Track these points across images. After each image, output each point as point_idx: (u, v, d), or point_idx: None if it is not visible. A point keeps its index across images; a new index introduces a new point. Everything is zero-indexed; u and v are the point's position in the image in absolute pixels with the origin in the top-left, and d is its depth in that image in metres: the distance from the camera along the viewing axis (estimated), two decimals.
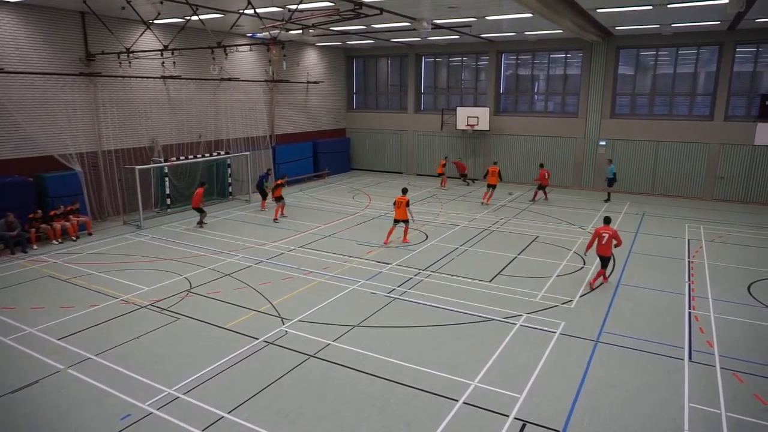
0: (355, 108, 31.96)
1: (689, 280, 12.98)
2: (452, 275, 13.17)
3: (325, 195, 23.69)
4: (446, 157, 26.40)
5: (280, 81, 25.33)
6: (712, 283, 12.72)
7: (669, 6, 15.87)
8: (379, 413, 7.49)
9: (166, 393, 7.92)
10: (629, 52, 24.47)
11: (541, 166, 23.07)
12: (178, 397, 7.82)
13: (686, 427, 7.22)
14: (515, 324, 10.36)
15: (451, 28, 21.13)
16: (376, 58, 30.85)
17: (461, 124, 27.01)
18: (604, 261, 12.55)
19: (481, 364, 8.78)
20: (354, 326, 10.25)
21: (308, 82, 27.92)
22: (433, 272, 13.40)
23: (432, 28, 19.67)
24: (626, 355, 9.22)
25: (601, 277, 12.67)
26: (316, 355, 9.08)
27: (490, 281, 12.80)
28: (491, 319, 10.58)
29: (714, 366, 8.83)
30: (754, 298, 11.88)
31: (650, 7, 16.15)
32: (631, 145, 24.25)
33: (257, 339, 9.66)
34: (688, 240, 16.54)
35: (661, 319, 10.71)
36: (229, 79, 22.73)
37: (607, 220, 12.88)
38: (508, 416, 7.38)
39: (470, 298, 11.69)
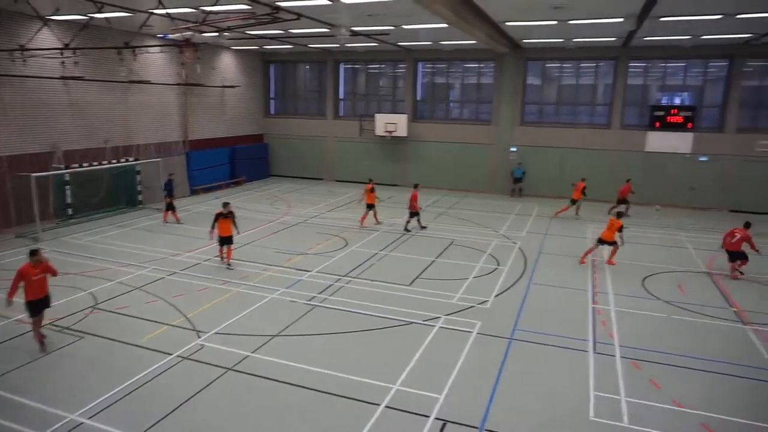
0: (273, 113, 31.43)
1: (593, 276, 13.90)
2: (372, 280, 13.27)
3: (243, 202, 23.08)
4: (371, 180, 20.11)
5: (193, 85, 24.41)
6: (612, 280, 13.70)
7: (570, 22, 16.99)
8: (302, 423, 7.39)
9: (67, 419, 7.35)
10: (536, 63, 25.93)
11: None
12: (82, 423, 7.28)
13: (592, 414, 7.72)
14: (434, 326, 10.61)
15: (369, 36, 21.38)
16: (295, 63, 30.57)
17: (380, 131, 27.35)
18: (732, 255, 14.07)
19: (402, 368, 8.90)
20: (274, 336, 10.05)
21: (224, 87, 27.13)
22: (354, 278, 13.43)
23: (350, 35, 19.80)
24: (538, 350, 9.72)
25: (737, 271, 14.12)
26: (234, 368, 8.80)
27: (410, 285, 13.03)
28: (411, 323, 10.77)
29: (615, 356, 9.52)
30: (647, 291, 12.94)
31: (555, 23, 17.21)
32: (540, 151, 25.65)
33: (171, 354, 9.22)
34: (591, 240, 17.69)
35: (568, 314, 11.39)
36: (139, 82, 21.58)
37: (747, 225, 14.31)
38: (428, 417, 7.54)
39: (390, 302, 11.83)
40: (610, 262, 15.06)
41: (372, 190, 18.96)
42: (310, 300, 11.89)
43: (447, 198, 25.05)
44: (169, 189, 19.19)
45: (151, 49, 21.46)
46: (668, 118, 23.41)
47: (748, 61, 22.57)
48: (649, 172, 24.15)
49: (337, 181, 29.66)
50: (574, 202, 21.02)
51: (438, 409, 7.72)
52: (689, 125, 23.11)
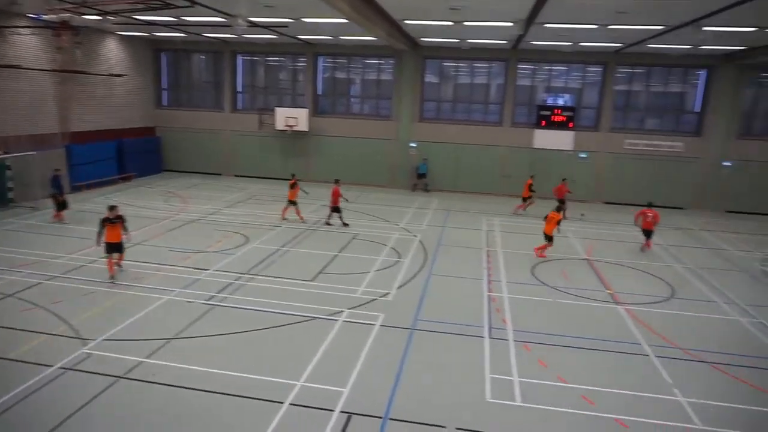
0: (165, 105, 29.69)
1: (487, 266, 14.71)
2: (274, 277, 13.06)
3: (133, 199, 21.65)
4: (294, 175, 19.90)
5: (73, 72, 22.41)
6: (505, 268, 14.59)
7: (465, 24, 17.75)
8: (203, 427, 7.13)
9: None
10: (434, 62, 26.80)
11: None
12: None
13: (488, 395, 8.20)
14: (338, 320, 10.67)
15: (268, 27, 20.88)
16: (189, 53, 29.08)
17: (280, 125, 26.86)
18: (647, 232, 16.78)
19: (306, 364, 8.88)
20: (170, 339, 9.58)
21: (110, 75, 25.17)
22: (255, 275, 13.13)
23: (248, 26, 19.22)
24: (438, 339, 10.12)
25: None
26: (126, 376, 8.28)
27: (312, 280, 12.99)
28: (314, 318, 10.75)
29: (508, 340, 10.16)
30: (536, 278, 13.93)
31: (451, 23, 17.88)
32: (438, 146, 26.57)
33: (52, 366, 8.46)
34: (486, 231, 18.72)
35: (465, 303, 11.97)
36: (8, 66, 19.41)
37: (650, 204, 17.12)
38: (333, 411, 7.59)
39: (293, 298, 11.72)
40: (541, 255, 15.81)
41: (293, 186, 18.68)
42: (208, 300, 11.46)
43: (349, 192, 25.10)
44: (57, 185, 17.56)
45: (22, 30, 19.40)
46: (553, 117, 25.25)
47: (619, 67, 24.94)
48: (537, 167, 25.90)
49: (236, 176, 28.71)
50: (525, 199, 21.83)
51: (343, 403, 7.80)
52: (570, 124, 25.09)
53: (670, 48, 21.37)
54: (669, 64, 24.32)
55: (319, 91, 28.17)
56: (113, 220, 12.41)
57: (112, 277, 12.28)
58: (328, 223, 18.43)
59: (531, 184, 21.78)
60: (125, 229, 12.68)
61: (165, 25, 21.76)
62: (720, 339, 10.75)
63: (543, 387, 8.53)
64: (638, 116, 25.69)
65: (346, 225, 18.42)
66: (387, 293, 12.33)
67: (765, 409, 8.22)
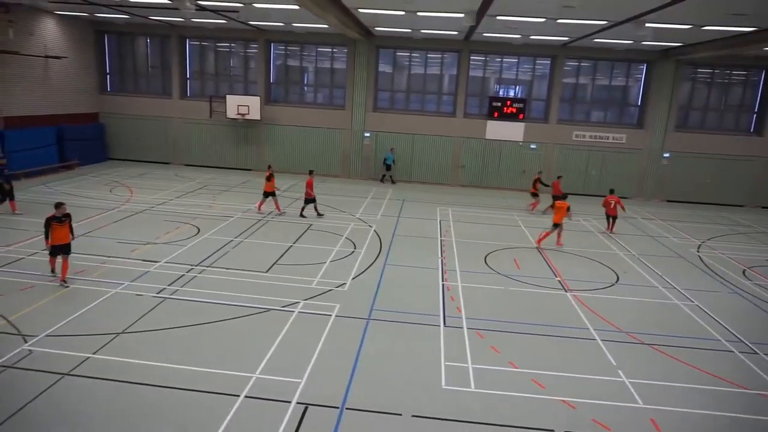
0: (109, 90, 28.41)
1: (441, 256, 14.93)
2: (228, 268, 12.81)
3: (76, 189, 20.69)
4: (270, 166, 19.60)
5: (4, 52, 21.07)
6: (459, 257, 14.85)
7: (418, 14, 17.79)
8: (155, 423, 6.95)
9: None
10: (388, 51, 26.77)
11: (559, 177, 21.91)
12: None
13: (443, 383, 8.36)
14: (293, 311, 10.59)
15: (216, 12, 20.29)
16: (133, 36, 27.87)
17: (231, 113, 26.23)
18: (611, 218, 18.73)
19: (262, 356, 8.78)
20: (119, 334, 9.26)
21: (47, 57, 23.81)
22: (207, 267, 12.84)
23: (196, 9, 18.60)
24: (394, 328, 10.22)
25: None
26: (71, 373, 7.95)
27: (267, 271, 12.83)
28: (269, 309, 10.63)
29: (462, 328, 10.37)
30: (488, 266, 14.25)
31: (403, 13, 17.88)
32: (392, 137, 26.64)
33: None
34: (440, 221, 18.98)
35: (420, 292, 12.12)
36: None
37: (612, 191, 18.96)
38: (290, 402, 7.55)
39: (247, 290, 11.54)
40: (558, 243, 16.51)
41: (269, 178, 18.25)
42: (159, 292, 11.13)
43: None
44: (2, 174, 16.54)
45: None
46: (504, 109, 25.77)
47: (567, 61, 25.66)
48: (489, 158, 26.42)
49: (185, 165, 27.89)
50: (534, 195, 21.75)
51: (299, 394, 7.77)
52: (521, 116, 25.69)
53: (615, 43, 22.14)
54: (613, 58, 25.22)
55: (272, 79, 27.66)
56: (61, 219, 11.22)
57: (53, 271, 11.67)
58: (302, 215, 18.19)
59: (539, 179, 21.64)
60: (71, 229, 11.55)
61: (106, 6, 20.77)
62: (660, 322, 11.34)
63: (496, 373, 8.77)
64: (585, 109, 26.56)
65: (320, 215, 18.35)
66: (342, 284, 12.32)
67: (699, 386, 8.75)
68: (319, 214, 18.36)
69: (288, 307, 10.81)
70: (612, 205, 18.61)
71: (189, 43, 27.70)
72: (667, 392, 8.50)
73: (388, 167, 26.24)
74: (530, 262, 14.88)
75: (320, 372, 8.43)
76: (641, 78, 26.01)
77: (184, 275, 12.20)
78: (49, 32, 24.19)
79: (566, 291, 12.77)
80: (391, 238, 16.43)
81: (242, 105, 26.11)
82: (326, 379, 8.25)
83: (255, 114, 26.20)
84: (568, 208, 16.38)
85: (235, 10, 19.85)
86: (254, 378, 8.11)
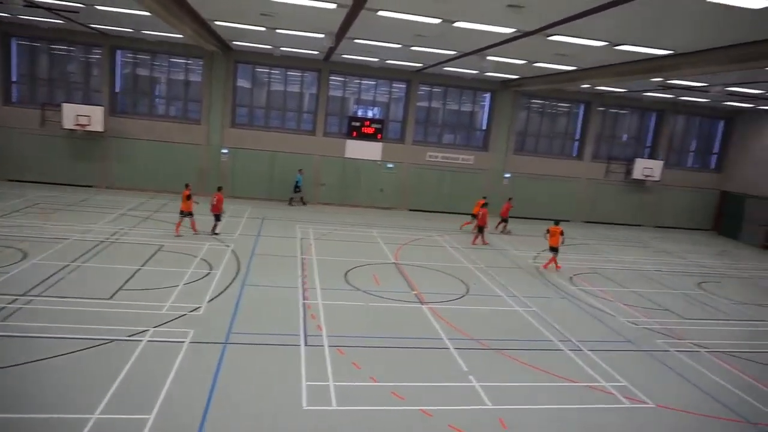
0: None
1: (302, 274, 14.82)
2: (63, 297, 11.43)
3: None
4: (188, 185, 18.48)
5: None
6: (320, 275, 14.86)
7: (278, 31, 17.71)
8: None
9: None
10: (247, 66, 26.20)
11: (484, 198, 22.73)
12: None
13: (304, 403, 8.25)
14: (142, 340, 9.76)
15: (51, 10, 18.27)
16: None
17: (69, 123, 23.62)
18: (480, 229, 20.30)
19: (103, 393, 7.93)
20: None
21: None
22: (37, 296, 11.33)
23: (24, 5, 16.58)
24: (253, 351, 9.88)
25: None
26: None
27: (110, 298, 11.68)
28: (113, 340, 9.67)
29: (323, 346, 10.36)
30: (348, 283, 14.46)
31: (263, 29, 17.67)
32: (251, 153, 25.99)
33: None
34: (301, 239, 18.86)
35: (281, 312, 11.90)
36: None
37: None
38: None
39: (88, 320, 10.39)
40: (557, 267, 17.94)
41: (189, 197, 17.67)
42: None
43: (154, 201, 23.27)
44: None
45: None
46: (363, 128, 26.55)
47: (421, 85, 27.27)
48: (348, 176, 26.97)
49: (10, 180, 24.41)
50: (473, 216, 22.27)
51: (148, 431, 7.15)
52: (379, 136, 26.66)
53: (463, 72, 24.07)
54: (462, 86, 27.35)
55: (118, 88, 25.53)
56: None
57: None
58: (215, 233, 18.11)
59: (484, 204, 22.03)
60: None
61: None
62: (505, 328, 12.40)
63: (357, 389, 8.88)
64: (437, 131, 28.38)
65: (216, 234, 17.97)
66: (197, 307, 11.65)
67: (539, 384, 9.70)
68: (215, 233, 18.22)
69: (135, 336, 9.93)
70: (479, 216, 20.54)
71: (15, 42, 24.52)
72: (512, 392, 9.29)
73: (298, 189, 25.49)
74: (389, 278, 15.38)
75: (173, 404, 7.84)
76: (486, 105, 28.52)
77: (5, 307, 10.62)
78: None
79: (422, 304, 13.41)
80: (250, 257, 15.95)
81: (82, 115, 23.66)
82: (179, 411, 7.70)
83: (98, 125, 23.87)
84: (562, 232, 17.80)
85: (74, 11, 18.04)
86: (93, 419, 7.29)
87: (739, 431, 8.89)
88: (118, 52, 25.11)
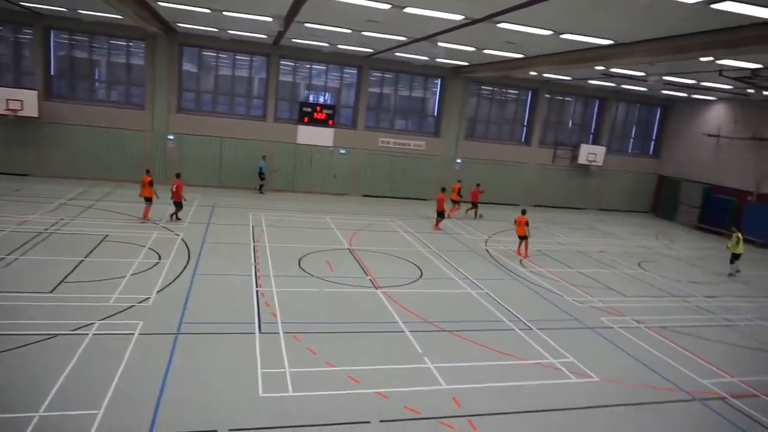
0: None
1: (255, 261, 14.62)
2: (0, 291, 10.84)
3: None
4: (149, 171, 19.00)
5: None
6: (273, 262, 14.70)
7: (224, 13, 17.18)
8: None
9: None
10: (193, 50, 25.31)
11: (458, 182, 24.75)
12: None
13: (261, 391, 8.20)
14: (87, 334, 9.40)
15: None
16: None
17: None
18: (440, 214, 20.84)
19: (47, 391, 7.61)
20: None
21: None
22: None
23: None
24: (206, 340, 9.71)
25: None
26: None
27: (51, 292, 11.18)
28: (56, 335, 9.27)
29: (278, 333, 10.30)
30: (303, 270, 14.39)
31: (208, 11, 17.10)
32: (199, 140, 25.26)
33: None
34: (253, 226, 18.57)
35: (234, 300, 11.72)
36: None
37: (443, 189, 20.93)
38: None
39: (26, 315, 9.92)
40: (526, 256, 18.06)
41: (151, 183, 17.86)
42: None
43: (96, 189, 22.29)
44: None
45: None
46: (315, 114, 26.25)
47: (372, 71, 27.16)
48: (301, 162, 26.67)
49: None
50: (454, 202, 23.97)
51: (96, 429, 6.92)
52: (330, 122, 26.44)
53: (413, 58, 24.12)
54: (413, 72, 27.42)
55: (53, 71, 24.17)
56: None
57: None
58: (177, 218, 18.27)
59: (459, 189, 24.10)
60: None
61: None
62: (457, 310, 12.67)
63: (313, 374, 8.89)
64: (389, 117, 28.40)
65: (177, 219, 18.32)
66: (146, 298, 11.31)
67: (490, 363, 9.99)
68: (176, 218, 18.36)
69: (80, 330, 9.55)
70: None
71: None
72: (465, 372, 9.54)
73: (262, 175, 25.18)
74: (343, 264, 15.39)
75: (122, 398, 7.62)
76: (437, 91, 28.73)
77: None
78: None
79: (376, 288, 13.51)
80: (201, 246, 15.58)
81: (13, 99, 22.29)
82: (130, 405, 7.49)
83: (31, 110, 22.55)
84: (527, 223, 18.17)
85: None
86: (37, 418, 7.00)
87: (678, 400, 9.47)
88: (52, 32, 23.72)
